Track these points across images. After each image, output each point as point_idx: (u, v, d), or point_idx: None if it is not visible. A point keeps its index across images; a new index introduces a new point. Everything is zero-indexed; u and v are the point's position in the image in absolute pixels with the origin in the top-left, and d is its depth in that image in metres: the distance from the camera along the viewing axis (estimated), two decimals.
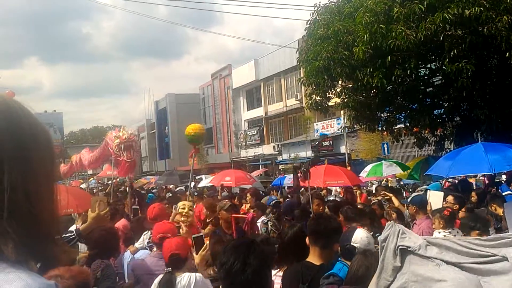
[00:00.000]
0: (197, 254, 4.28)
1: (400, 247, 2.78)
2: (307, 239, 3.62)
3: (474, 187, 13.66)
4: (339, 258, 3.95)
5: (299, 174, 6.90)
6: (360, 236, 3.91)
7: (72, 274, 2.70)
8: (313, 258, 3.49)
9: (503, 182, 12.20)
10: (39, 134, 0.96)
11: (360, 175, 15.39)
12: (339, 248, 3.62)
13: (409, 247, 2.75)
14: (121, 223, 7.68)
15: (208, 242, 4.48)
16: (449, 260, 2.63)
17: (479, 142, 8.96)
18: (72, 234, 3.85)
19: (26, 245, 0.88)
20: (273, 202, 9.27)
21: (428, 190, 9.76)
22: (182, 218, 5.48)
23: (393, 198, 8.64)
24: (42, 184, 0.93)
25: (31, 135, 0.93)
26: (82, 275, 2.98)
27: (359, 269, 3.15)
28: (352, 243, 3.83)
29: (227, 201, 6.49)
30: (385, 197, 9.95)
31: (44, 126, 0.99)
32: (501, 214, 6.56)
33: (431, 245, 2.74)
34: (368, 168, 16.20)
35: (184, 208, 5.65)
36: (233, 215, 6.36)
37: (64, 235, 3.82)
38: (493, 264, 2.51)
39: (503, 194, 9.62)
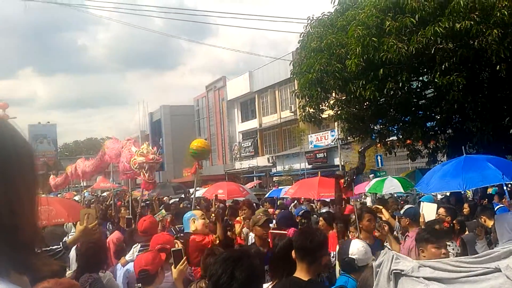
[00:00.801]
0: (175, 268, 4.24)
1: (394, 271, 2.82)
2: (293, 253, 3.58)
3: (471, 198, 13.74)
4: (341, 272, 3.97)
5: (341, 184, 6.31)
6: (356, 247, 3.94)
7: (63, 286, 2.69)
8: (301, 273, 3.44)
9: (493, 194, 12.28)
10: (21, 149, 0.98)
11: (365, 188, 15.41)
12: (337, 262, 3.63)
13: (403, 271, 2.79)
14: (114, 236, 7.68)
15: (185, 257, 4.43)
16: (443, 277, 2.66)
17: (464, 155, 8.93)
18: (59, 246, 3.85)
19: (7, 256, 0.90)
20: (302, 212, 9.13)
21: (421, 202, 9.80)
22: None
23: (383, 211, 8.68)
24: (23, 198, 0.96)
25: (13, 151, 0.95)
26: (72, 287, 2.98)
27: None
28: (350, 255, 3.86)
29: (262, 215, 6.01)
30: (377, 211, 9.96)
31: (26, 142, 1.01)
32: (490, 226, 6.59)
33: (424, 267, 2.78)
34: (372, 182, 16.05)
35: (204, 218, 5.74)
36: (271, 231, 5.73)
37: (51, 247, 3.82)
38: (485, 275, 2.55)
39: (496, 208, 9.67)
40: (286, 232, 6.15)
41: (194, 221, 5.77)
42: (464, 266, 2.72)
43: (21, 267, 0.95)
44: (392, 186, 14.21)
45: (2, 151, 0.93)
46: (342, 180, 7.05)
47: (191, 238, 5.50)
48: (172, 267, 4.27)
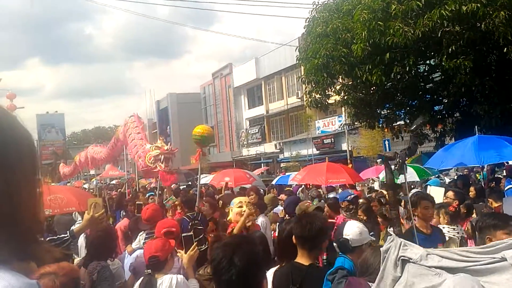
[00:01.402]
0: (185, 253, 4.28)
1: (401, 257, 2.85)
2: (293, 239, 3.62)
3: (477, 181, 13.66)
4: (339, 253, 4.01)
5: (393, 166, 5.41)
6: (351, 228, 3.98)
7: (65, 271, 2.74)
8: (302, 258, 3.50)
9: (501, 176, 12.21)
10: (20, 138, 0.99)
11: (379, 175, 15.15)
12: (334, 243, 3.67)
13: (411, 258, 2.81)
14: (122, 223, 7.76)
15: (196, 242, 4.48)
16: (449, 266, 2.68)
17: (477, 135, 8.87)
18: (66, 235, 3.90)
19: (8, 245, 0.92)
20: (351, 197, 8.40)
21: (428, 186, 9.80)
22: (243, 217, 5.12)
23: (388, 196, 8.67)
24: (23, 187, 0.97)
25: (11, 139, 0.96)
26: (74, 271, 3.03)
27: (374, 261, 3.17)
28: (344, 236, 3.90)
29: (309, 202, 5.73)
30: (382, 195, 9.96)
31: (25, 130, 1.02)
32: (494, 207, 6.58)
33: (431, 255, 2.81)
34: (381, 175, 15.79)
35: (241, 206, 5.35)
36: None
37: (58, 236, 3.87)
38: (492, 264, 2.56)
39: (506, 188, 9.62)
40: (334, 220, 6.11)
41: (231, 210, 5.52)
42: (470, 256, 2.74)
43: (22, 255, 0.95)
44: (408, 174, 13.73)
45: (1, 141, 0.94)
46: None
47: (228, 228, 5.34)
48: (183, 252, 4.32)
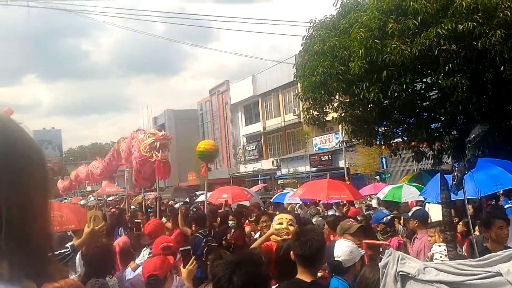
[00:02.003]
0: (184, 268, 4.24)
1: (400, 273, 2.84)
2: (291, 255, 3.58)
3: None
4: (333, 274, 3.94)
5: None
6: (341, 249, 3.90)
7: (72, 287, 2.72)
8: (303, 275, 3.45)
9: (499, 195, 12.17)
10: (32, 153, 0.97)
11: (377, 195, 14.99)
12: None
13: (409, 274, 2.80)
14: (121, 240, 7.68)
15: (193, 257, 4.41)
16: (447, 280, 2.67)
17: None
18: (67, 250, 3.85)
19: (20, 264, 0.89)
20: (387, 218, 7.25)
21: (427, 204, 9.75)
22: (283, 236, 4.64)
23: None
24: (36, 205, 0.94)
25: (24, 155, 0.94)
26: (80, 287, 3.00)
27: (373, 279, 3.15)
28: (336, 258, 3.84)
29: (352, 222, 5.14)
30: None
31: (38, 146, 1.00)
32: None
33: (429, 268, 2.79)
34: (386, 189, 15.12)
35: (282, 223, 4.84)
36: (365, 241, 4.82)
37: (59, 251, 3.82)
38: (489, 279, 2.55)
39: (505, 207, 9.58)
40: (387, 243, 5.67)
41: (272, 227, 4.99)
42: (467, 269, 2.73)
43: (33, 274, 0.93)
44: (411, 194, 13.32)
45: (12, 153, 0.91)
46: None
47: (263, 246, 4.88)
48: (181, 267, 4.26)
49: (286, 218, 4.87)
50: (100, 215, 4.40)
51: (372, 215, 10.21)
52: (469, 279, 2.63)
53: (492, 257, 2.67)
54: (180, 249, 4.45)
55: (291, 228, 4.61)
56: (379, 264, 3.17)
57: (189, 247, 4.57)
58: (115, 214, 13.74)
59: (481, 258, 2.81)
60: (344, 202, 12.41)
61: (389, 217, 7.16)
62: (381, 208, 8.71)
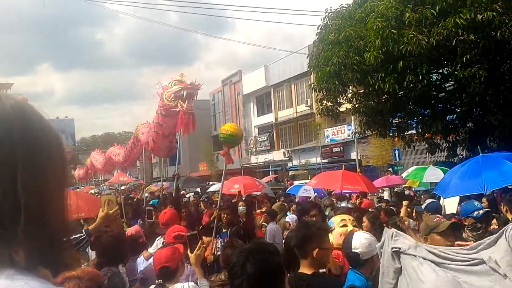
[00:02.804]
0: (191, 253, 4.20)
1: (393, 249, 2.86)
2: None
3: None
4: (350, 267, 3.86)
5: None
6: (359, 240, 3.81)
7: (90, 275, 2.69)
8: (303, 268, 3.44)
9: None
10: (51, 139, 0.95)
11: (403, 175, 14.62)
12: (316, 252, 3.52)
13: (400, 248, 2.83)
14: (133, 229, 7.67)
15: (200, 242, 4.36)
16: (435, 260, 2.71)
17: (480, 154, 8.42)
18: (82, 234, 3.84)
19: (36, 251, 0.87)
20: (479, 212, 6.21)
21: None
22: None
23: (403, 209, 8.49)
24: (53, 190, 0.92)
25: (44, 140, 0.92)
26: (98, 276, 2.98)
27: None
28: (353, 249, 3.76)
29: (440, 218, 4.34)
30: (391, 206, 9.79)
31: (56, 132, 0.98)
32: (511, 218, 6.39)
33: (420, 247, 2.83)
34: (411, 169, 15.03)
35: (345, 226, 4.35)
36: (458, 242, 4.04)
37: (74, 236, 3.80)
38: (473, 266, 2.60)
39: None
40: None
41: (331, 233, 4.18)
42: (454, 255, 2.79)
43: (49, 262, 0.92)
44: (434, 175, 12.82)
45: (31, 136, 0.90)
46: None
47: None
48: (189, 252, 4.22)
49: (349, 219, 4.36)
50: (114, 199, 4.38)
51: (413, 204, 9.97)
52: (455, 263, 2.67)
53: (479, 245, 2.73)
54: (187, 234, 4.41)
55: (356, 230, 4.06)
56: (377, 245, 3.16)
57: (196, 232, 4.53)
58: (132, 205, 13.33)
59: (472, 245, 2.85)
60: (357, 193, 12.31)
61: (481, 211, 6.15)
62: (472, 199, 8.15)
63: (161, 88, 8.62)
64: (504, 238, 2.58)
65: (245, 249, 2.37)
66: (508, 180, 7.47)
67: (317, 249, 3.38)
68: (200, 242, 4.29)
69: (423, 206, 8.24)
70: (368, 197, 14.50)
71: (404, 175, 14.43)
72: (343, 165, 13.48)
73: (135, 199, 16.60)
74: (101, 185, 27.84)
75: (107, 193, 20.26)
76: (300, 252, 3.47)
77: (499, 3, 10.19)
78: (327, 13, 14.45)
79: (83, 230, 3.91)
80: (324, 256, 3.46)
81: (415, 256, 2.80)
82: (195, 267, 4.19)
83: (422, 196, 15.28)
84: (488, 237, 2.75)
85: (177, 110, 8.24)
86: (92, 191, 23.04)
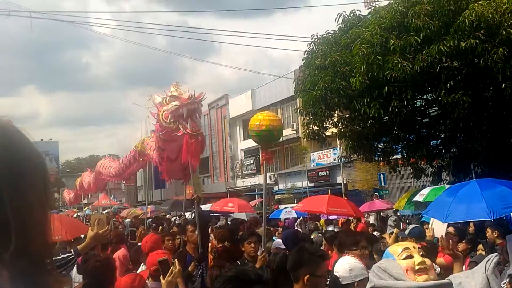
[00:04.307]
0: (163, 279, 4.12)
1: None
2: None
3: None
4: None
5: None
6: (340, 264, 3.80)
7: None
8: None
9: None
10: (34, 161, 0.94)
11: (415, 198, 14.22)
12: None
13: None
14: (120, 253, 7.55)
15: (172, 267, 4.26)
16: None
17: (473, 179, 8.32)
18: (70, 254, 3.78)
19: (19, 273, 0.86)
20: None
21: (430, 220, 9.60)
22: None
23: (386, 235, 8.53)
24: (36, 213, 0.91)
25: (27, 163, 0.91)
26: None
27: None
28: (334, 273, 3.74)
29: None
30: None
31: (39, 153, 0.98)
32: (499, 245, 6.43)
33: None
34: (425, 191, 13.73)
35: (410, 257, 2.89)
36: None
37: (62, 255, 3.75)
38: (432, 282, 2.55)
39: None
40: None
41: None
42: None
43: (33, 284, 0.89)
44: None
45: (14, 157, 0.89)
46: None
47: None
48: (161, 278, 4.14)
49: (414, 247, 3.06)
50: (104, 218, 4.32)
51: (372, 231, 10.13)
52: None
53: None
54: (158, 260, 4.32)
55: (428, 262, 2.84)
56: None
57: (166, 257, 4.44)
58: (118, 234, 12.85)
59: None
60: (351, 218, 12.34)
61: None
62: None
63: (155, 106, 7.05)
64: (483, 271, 2.52)
65: (227, 277, 2.33)
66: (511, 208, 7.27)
67: (308, 275, 3.31)
68: (172, 267, 4.19)
69: (406, 232, 8.23)
70: (362, 221, 14.48)
71: (419, 198, 13.64)
72: (329, 190, 13.49)
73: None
74: (85, 209, 27.48)
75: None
76: (292, 276, 3.43)
77: (481, 31, 10.40)
78: (313, 39, 14.61)
79: (72, 250, 3.86)
80: (317, 284, 3.37)
81: None
82: None
83: (407, 221, 15.35)
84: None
85: (180, 134, 6.54)
86: (75, 215, 22.75)
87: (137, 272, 5.77)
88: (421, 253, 3.02)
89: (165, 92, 6.87)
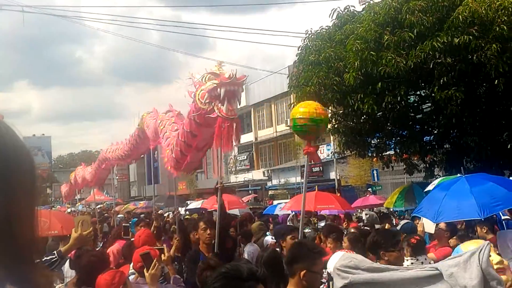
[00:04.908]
0: (147, 272, 4.09)
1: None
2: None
3: None
4: None
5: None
6: (333, 261, 3.80)
7: None
8: (292, 287, 3.41)
9: None
10: (22, 157, 0.94)
11: (427, 188, 14.11)
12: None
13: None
14: (115, 248, 7.51)
15: (155, 260, 4.23)
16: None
17: (463, 176, 8.18)
18: (54, 256, 3.74)
19: (4, 268, 0.86)
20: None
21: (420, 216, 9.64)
22: None
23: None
24: (23, 208, 0.91)
25: (14, 157, 0.91)
26: None
27: None
28: (327, 270, 3.74)
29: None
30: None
31: (27, 149, 0.97)
32: (488, 239, 6.42)
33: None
34: (437, 181, 14.14)
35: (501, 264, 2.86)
36: None
37: (45, 257, 3.72)
38: (427, 278, 2.55)
39: (502, 218, 9.41)
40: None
41: None
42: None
43: (19, 279, 0.89)
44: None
45: (2, 156, 0.89)
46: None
47: None
48: (144, 271, 4.12)
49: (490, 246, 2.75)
50: (88, 220, 4.29)
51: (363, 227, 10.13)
52: (397, 273, 2.67)
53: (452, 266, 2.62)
54: (140, 253, 4.30)
55: (505, 262, 2.84)
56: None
57: (148, 251, 4.41)
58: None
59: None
60: (340, 215, 12.38)
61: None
62: None
63: (193, 84, 6.06)
64: (477, 263, 2.48)
65: (218, 273, 2.27)
66: (503, 205, 7.21)
67: (304, 271, 3.30)
68: (155, 260, 4.17)
69: (398, 227, 8.26)
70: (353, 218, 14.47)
71: (430, 187, 13.39)
72: (316, 186, 13.53)
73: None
74: (77, 204, 27.37)
75: (81, 213, 19.87)
76: (289, 270, 3.43)
77: (475, 27, 10.43)
78: (307, 35, 14.60)
79: (55, 252, 3.82)
80: (312, 280, 3.36)
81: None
82: (152, 286, 4.08)
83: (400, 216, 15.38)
84: (458, 255, 2.67)
85: (214, 116, 5.64)
86: (69, 209, 22.66)
87: (131, 266, 5.74)
88: (497, 252, 3.09)
89: (205, 69, 5.94)
